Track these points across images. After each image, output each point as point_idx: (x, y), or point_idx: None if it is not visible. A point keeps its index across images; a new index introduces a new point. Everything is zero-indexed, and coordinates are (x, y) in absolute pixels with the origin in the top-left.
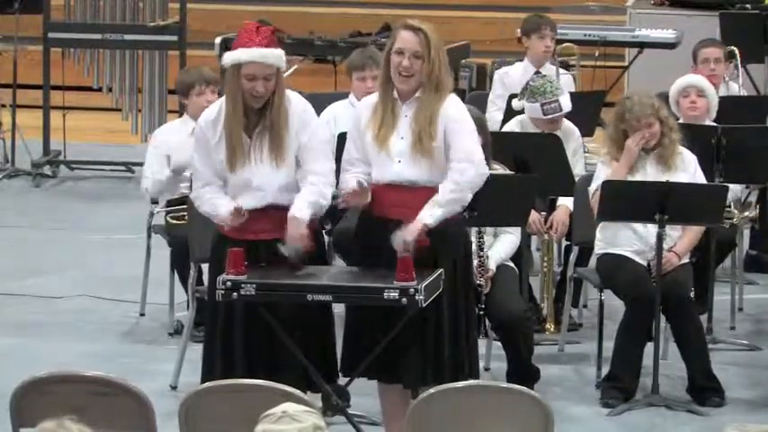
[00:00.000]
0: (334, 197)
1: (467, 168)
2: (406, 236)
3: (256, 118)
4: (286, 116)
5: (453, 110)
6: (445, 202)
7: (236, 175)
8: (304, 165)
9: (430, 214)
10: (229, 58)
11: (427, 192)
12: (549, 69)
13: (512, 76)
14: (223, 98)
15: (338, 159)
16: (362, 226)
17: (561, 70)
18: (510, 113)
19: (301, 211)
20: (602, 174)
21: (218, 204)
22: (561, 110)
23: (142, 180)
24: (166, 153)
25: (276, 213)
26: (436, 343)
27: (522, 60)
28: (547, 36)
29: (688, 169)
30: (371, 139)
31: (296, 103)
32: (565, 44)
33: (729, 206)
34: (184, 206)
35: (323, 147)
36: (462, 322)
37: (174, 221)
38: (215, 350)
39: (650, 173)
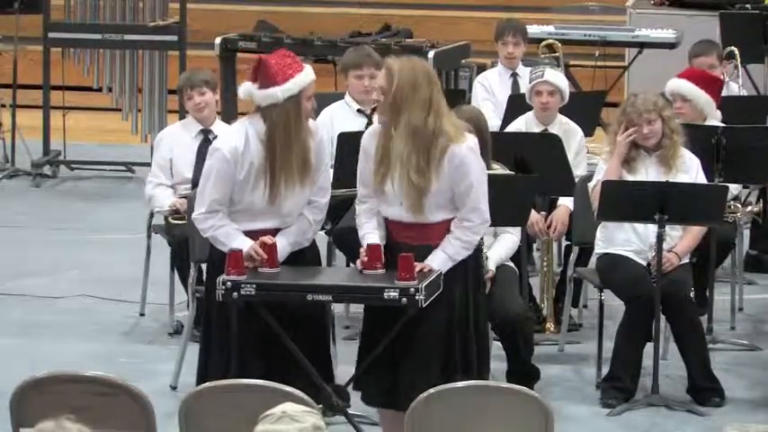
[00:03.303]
0: (333, 197)
1: (483, 229)
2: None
3: None
4: (312, 136)
5: (460, 163)
6: (457, 256)
7: (270, 201)
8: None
9: (443, 266)
10: (293, 87)
11: (433, 226)
12: (523, 71)
13: (490, 80)
14: (243, 126)
15: (338, 159)
16: None
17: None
18: (511, 114)
19: (284, 249)
20: (603, 170)
21: (229, 235)
22: (543, 77)
23: (146, 185)
24: (170, 157)
25: None
26: (462, 352)
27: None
28: (509, 43)
29: (690, 171)
30: (374, 179)
31: (314, 124)
32: (549, 41)
33: (730, 206)
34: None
35: (328, 176)
36: (480, 324)
37: (174, 221)
38: (216, 353)
39: (651, 174)
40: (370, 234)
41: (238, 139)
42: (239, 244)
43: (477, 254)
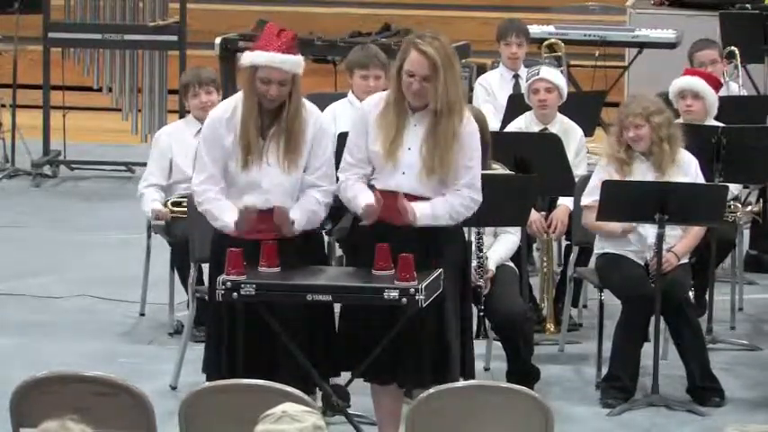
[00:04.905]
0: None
1: (472, 207)
2: (398, 214)
3: (269, 120)
4: (302, 122)
5: (469, 134)
6: (440, 219)
7: (246, 174)
8: (314, 177)
9: (424, 217)
10: (247, 59)
11: (422, 201)
12: (525, 73)
13: (490, 82)
14: (236, 96)
15: (338, 159)
16: (356, 225)
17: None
18: (510, 114)
19: (301, 218)
20: (596, 183)
21: (223, 209)
22: (539, 75)
23: (141, 182)
24: (170, 157)
25: None
26: (435, 345)
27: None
28: (512, 43)
29: (688, 173)
30: (380, 150)
31: (315, 112)
32: (551, 41)
33: (730, 205)
34: (184, 199)
35: (333, 166)
36: (463, 323)
37: (176, 215)
38: (219, 350)
39: (647, 178)
40: (365, 192)
41: (227, 106)
42: (229, 218)
43: (466, 259)
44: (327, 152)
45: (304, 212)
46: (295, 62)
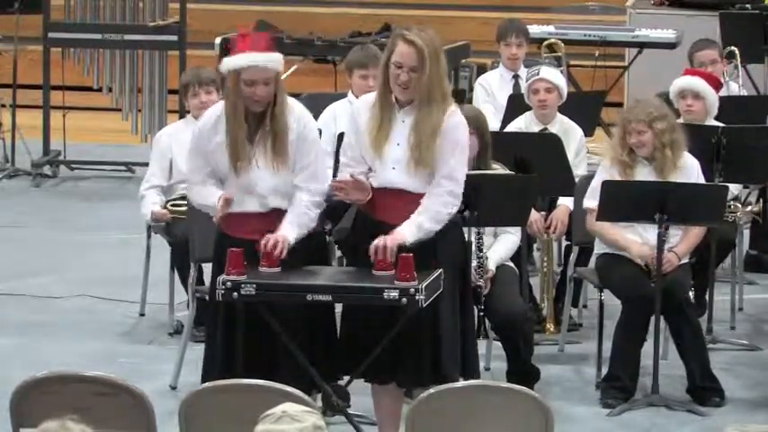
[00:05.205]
0: (332, 197)
1: (452, 201)
2: (385, 243)
3: (255, 124)
4: (286, 122)
5: (452, 126)
6: (426, 229)
7: (240, 180)
8: (300, 177)
9: (410, 234)
10: (229, 64)
11: (416, 198)
12: (525, 73)
13: (490, 82)
14: (221, 104)
15: (338, 159)
16: (356, 225)
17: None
18: (510, 114)
19: (290, 234)
20: (598, 185)
21: (209, 194)
22: (539, 75)
23: (143, 183)
24: (170, 157)
25: (278, 215)
26: (433, 344)
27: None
28: (512, 44)
29: (690, 176)
30: (368, 144)
31: (296, 110)
32: (551, 41)
33: (730, 205)
34: (184, 200)
35: (322, 164)
36: (461, 323)
37: (176, 215)
38: (217, 350)
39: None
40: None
41: (212, 113)
42: (213, 198)
43: (466, 259)
44: (313, 151)
45: (295, 225)
46: (276, 59)
